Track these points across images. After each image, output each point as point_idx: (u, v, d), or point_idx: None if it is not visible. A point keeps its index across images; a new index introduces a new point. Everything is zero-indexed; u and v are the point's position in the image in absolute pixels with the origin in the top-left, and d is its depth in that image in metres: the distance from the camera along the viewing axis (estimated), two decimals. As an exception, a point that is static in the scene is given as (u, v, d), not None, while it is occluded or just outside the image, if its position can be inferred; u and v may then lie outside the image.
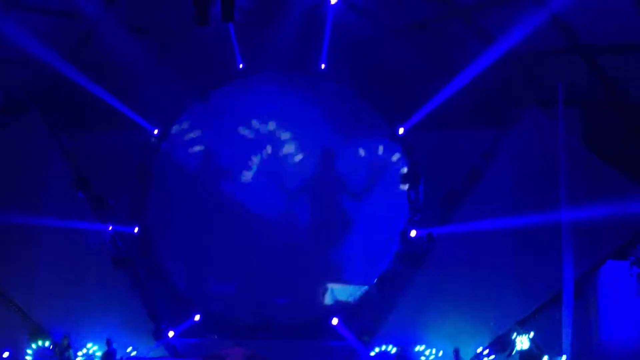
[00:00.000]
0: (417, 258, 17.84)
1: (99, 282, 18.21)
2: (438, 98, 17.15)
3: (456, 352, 16.54)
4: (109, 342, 17.50)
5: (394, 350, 17.18)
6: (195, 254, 19.07)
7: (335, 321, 17.52)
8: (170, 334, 18.01)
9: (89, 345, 17.98)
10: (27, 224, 17.89)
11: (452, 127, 18.00)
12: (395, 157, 18.76)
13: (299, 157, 19.24)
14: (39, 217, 17.73)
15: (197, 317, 18.11)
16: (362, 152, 19.02)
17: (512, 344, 16.01)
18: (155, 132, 19.41)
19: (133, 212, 19.04)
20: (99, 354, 17.77)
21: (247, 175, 19.26)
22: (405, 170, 18.55)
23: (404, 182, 18.42)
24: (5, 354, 16.74)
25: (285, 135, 19.40)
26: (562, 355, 15.38)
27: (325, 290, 18.44)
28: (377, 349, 17.40)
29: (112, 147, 19.13)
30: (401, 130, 18.46)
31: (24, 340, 18.01)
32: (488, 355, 16.82)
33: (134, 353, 17.65)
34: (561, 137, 16.35)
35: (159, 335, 18.05)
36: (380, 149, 18.88)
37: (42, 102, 19.06)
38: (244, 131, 19.55)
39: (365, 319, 17.74)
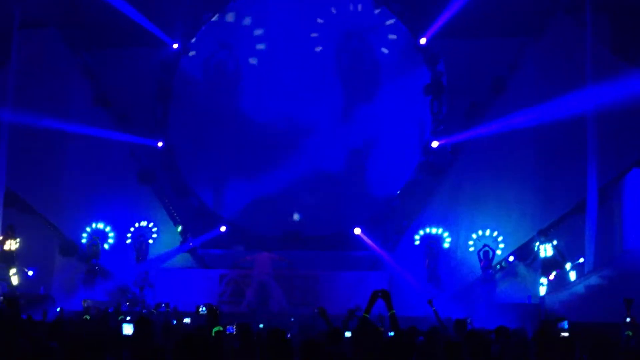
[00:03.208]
0: (441, 169, 17.84)
1: (125, 196, 18.48)
2: (462, 4, 16.71)
3: (485, 253, 16.67)
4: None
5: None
6: (218, 168, 19.20)
7: (357, 231, 17.69)
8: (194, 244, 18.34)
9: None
10: (52, 140, 18.13)
11: (477, 36, 17.70)
12: (419, 67, 18.49)
13: (320, 68, 19.04)
14: (64, 132, 17.81)
15: (222, 229, 18.37)
16: (385, 63, 18.75)
17: (535, 251, 16.17)
18: (175, 46, 19.22)
19: (155, 127, 19.07)
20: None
21: (268, 87, 19.11)
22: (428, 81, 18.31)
23: (427, 93, 18.22)
24: (30, 272, 17.10)
25: (306, 45, 19.10)
26: (581, 259, 15.52)
27: (349, 201, 18.51)
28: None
29: (132, 63, 19.06)
30: (424, 40, 18.12)
31: (55, 254, 18.49)
32: (511, 262, 16.97)
33: None
34: (588, 43, 15.97)
35: (186, 246, 18.36)
36: (404, 59, 18.58)
37: (60, 18, 18.87)
38: (263, 43, 19.30)
39: (388, 229, 17.92)
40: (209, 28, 19.55)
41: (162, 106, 19.23)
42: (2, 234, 16.81)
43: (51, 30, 18.93)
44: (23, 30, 17.99)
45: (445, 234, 17.26)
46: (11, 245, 16.76)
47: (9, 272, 16.53)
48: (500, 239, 16.88)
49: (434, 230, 17.31)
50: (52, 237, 18.42)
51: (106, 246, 18.22)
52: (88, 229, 18.19)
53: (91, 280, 17.32)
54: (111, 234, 18.33)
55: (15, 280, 16.58)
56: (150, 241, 18.14)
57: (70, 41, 19.19)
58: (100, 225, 18.24)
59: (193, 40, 19.47)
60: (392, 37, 18.87)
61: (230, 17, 19.52)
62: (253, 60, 19.42)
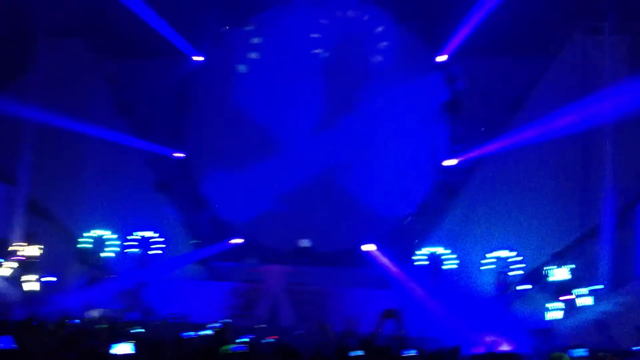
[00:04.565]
0: (455, 188, 17.72)
1: (142, 206, 18.61)
2: (481, 21, 16.61)
3: (503, 274, 16.47)
4: None
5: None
6: (233, 181, 19.28)
7: (368, 248, 17.62)
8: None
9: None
10: (73, 148, 18.39)
11: (495, 54, 17.51)
12: (436, 85, 18.38)
13: (337, 85, 19.02)
14: (86, 140, 17.98)
15: (236, 241, 18.46)
16: (403, 80, 18.70)
17: (548, 275, 15.95)
18: (200, 59, 19.35)
19: (173, 138, 19.24)
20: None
21: (285, 103, 19.14)
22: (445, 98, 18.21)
23: (444, 111, 18.12)
24: (53, 279, 17.28)
25: (324, 61, 19.12)
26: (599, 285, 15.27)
27: (362, 218, 18.44)
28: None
29: (153, 73, 19.22)
30: (442, 58, 18.01)
31: (73, 262, 18.69)
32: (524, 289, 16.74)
33: None
34: (609, 65, 15.79)
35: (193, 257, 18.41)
36: (422, 77, 18.52)
37: (85, 27, 19.07)
38: (282, 57, 19.34)
39: (402, 248, 17.82)
40: (229, 40, 19.68)
41: (180, 117, 19.40)
42: (24, 242, 17.10)
43: (76, 39, 19.14)
44: (48, 39, 18.31)
45: (452, 255, 16.98)
46: (32, 252, 17.04)
47: (28, 279, 16.75)
48: (513, 255, 16.61)
49: (439, 250, 17.09)
50: (72, 245, 18.65)
51: (112, 254, 18.33)
52: (93, 234, 18.26)
53: (90, 288, 17.39)
54: (116, 242, 18.43)
55: (35, 287, 16.77)
56: (160, 251, 18.22)
57: (94, 50, 19.41)
58: (108, 233, 18.33)
59: (213, 52, 19.57)
60: (409, 53, 18.76)
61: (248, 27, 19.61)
62: (272, 74, 19.41)
